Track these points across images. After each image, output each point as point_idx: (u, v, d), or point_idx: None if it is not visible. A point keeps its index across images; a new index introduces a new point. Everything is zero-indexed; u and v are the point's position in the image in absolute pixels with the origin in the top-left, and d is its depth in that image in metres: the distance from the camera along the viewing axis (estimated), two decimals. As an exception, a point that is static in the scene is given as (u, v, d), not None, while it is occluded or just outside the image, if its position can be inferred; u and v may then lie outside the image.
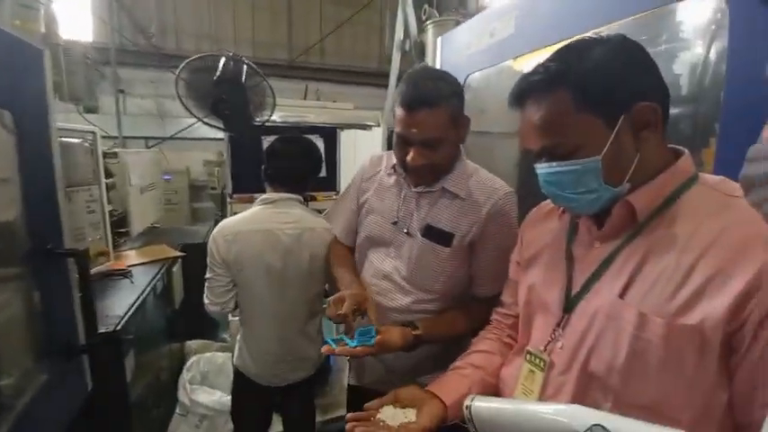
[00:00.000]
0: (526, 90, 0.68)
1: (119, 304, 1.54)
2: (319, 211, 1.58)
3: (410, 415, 0.78)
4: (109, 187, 2.11)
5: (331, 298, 1.00)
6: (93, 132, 1.51)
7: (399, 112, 0.99)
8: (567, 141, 0.64)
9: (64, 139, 1.35)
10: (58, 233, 1.07)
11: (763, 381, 0.54)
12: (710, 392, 0.58)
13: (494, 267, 1.07)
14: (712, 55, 0.89)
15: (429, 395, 0.82)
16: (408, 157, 1.00)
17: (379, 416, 0.77)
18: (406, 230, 1.11)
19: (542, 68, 0.66)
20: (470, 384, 0.84)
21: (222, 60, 1.62)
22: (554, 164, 0.66)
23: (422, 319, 1.05)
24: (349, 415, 0.79)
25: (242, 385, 1.57)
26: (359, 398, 1.08)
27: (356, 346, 0.91)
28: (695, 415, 0.59)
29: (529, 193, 1.47)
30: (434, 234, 1.07)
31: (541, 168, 0.69)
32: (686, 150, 0.68)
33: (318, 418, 2.01)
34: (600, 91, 0.62)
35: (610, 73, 0.62)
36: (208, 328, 2.83)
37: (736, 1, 0.80)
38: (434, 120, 0.96)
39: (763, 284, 0.53)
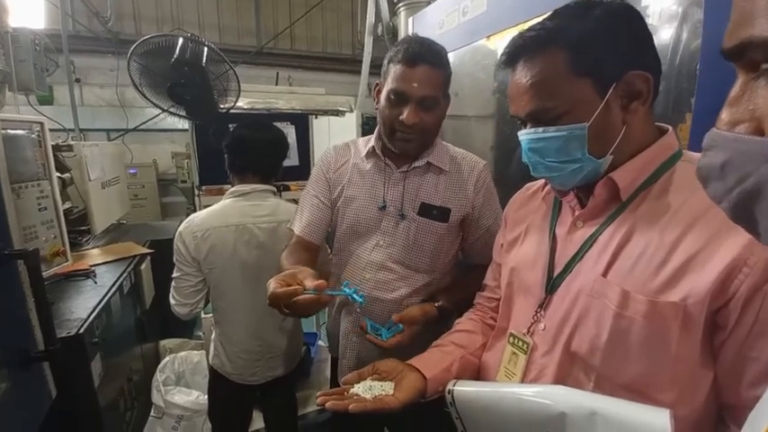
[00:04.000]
0: (521, 46, 0.64)
1: (81, 306, 1.44)
2: (295, 201, 1.51)
3: (387, 388, 0.75)
4: (66, 182, 1.97)
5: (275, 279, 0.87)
6: (40, 123, 1.39)
7: (398, 68, 0.99)
8: (555, 105, 0.62)
9: (7, 130, 1.23)
10: (5, 233, 0.99)
11: (751, 359, 0.53)
12: (695, 372, 0.58)
13: (485, 239, 1.11)
14: (687, 29, 0.88)
15: (409, 368, 0.80)
16: (403, 116, 0.99)
17: (352, 390, 0.75)
18: (400, 213, 1.09)
19: (539, 26, 0.63)
20: (452, 360, 0.83)
21: (180, 41, 1.50)
22: (540, 129, 0.64)
23: (438, 291, 1.11)
24: (319, 393, 0.75)
25: (219, 385, 1.52)
26: None
27: (389, 338, 0.98)
28: (679, 395, 0.58)
29: (503, 175, 1.46)
30: (432, 211, 1.09)
31: (526, 134, 0.67)
32: (670, 128, 0.67)
33: (300, 411, 1.98)
34: (595, 53, 0.60)
35: (607, 36, 0.60)
36: (181, 326, 2.73)
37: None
38: (434, 78, 0.99)
39: (749, 260, 0.52)
